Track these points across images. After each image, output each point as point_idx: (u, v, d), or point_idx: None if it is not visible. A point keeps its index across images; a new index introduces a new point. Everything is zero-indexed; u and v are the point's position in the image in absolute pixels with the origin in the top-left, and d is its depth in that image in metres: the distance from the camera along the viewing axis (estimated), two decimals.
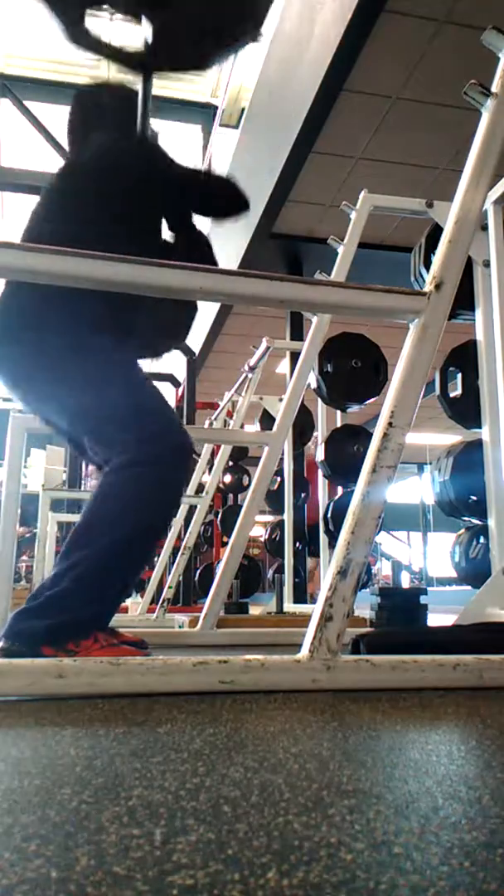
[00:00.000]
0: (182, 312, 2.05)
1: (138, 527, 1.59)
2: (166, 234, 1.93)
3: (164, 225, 1.91)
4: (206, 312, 7.74)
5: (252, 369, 4.40)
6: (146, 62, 1.47)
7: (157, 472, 1.58)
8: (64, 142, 2.01)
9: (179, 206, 1.89)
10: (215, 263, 1.95)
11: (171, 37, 1.36)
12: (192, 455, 1.71)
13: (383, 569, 11.83)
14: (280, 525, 4.83)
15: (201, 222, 1.99)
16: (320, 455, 3.97)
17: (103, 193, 1.78)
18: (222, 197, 1.97)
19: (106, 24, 1.50)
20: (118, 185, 1.79)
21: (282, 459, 4.37)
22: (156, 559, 4.67)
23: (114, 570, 1.58)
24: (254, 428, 5.77)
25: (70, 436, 1.84)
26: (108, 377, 1.67)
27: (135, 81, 1.68)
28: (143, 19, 1.38)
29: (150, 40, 1.41)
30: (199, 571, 6.46)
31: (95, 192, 1.79)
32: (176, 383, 6.49)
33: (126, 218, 1.76)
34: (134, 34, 1.54)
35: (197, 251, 1.92)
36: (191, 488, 4.90)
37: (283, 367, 7.35)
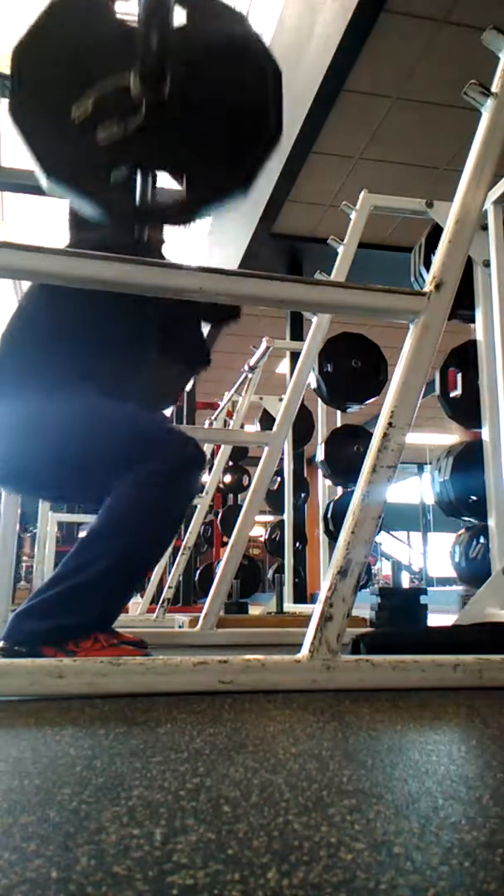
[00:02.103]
0: (180, 379, 2.07)
1: (148, 536, 1.59)
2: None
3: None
4: None
5: (252, 369, 4.40)
6: (188, 211, 1.43)
7: (169, 482, 1.58)
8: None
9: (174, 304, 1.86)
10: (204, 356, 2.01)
11: (203, 181, 1.33)
12: (202, 465, 1.70)
13: (383, 569, 11.83)
14: (280, 525, 4.83)
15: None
16: (320, 455, 3.97)
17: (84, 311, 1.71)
18: (220, 308, 1.98)
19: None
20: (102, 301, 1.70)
21: (282, 459, 4.38)
22: None
23: (121, 576, 1.58)
24: (254, 428, 5.77)
25: (77, 496, 1.81)
26: (104, 414, 1.65)
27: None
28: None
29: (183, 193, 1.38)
30: (199, 571, 6.47)
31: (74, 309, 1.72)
32: None
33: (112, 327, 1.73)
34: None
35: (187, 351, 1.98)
36: None
37: (283, 367, 7.35)
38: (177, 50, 1.29)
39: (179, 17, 1.33)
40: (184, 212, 1.38)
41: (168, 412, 7.25)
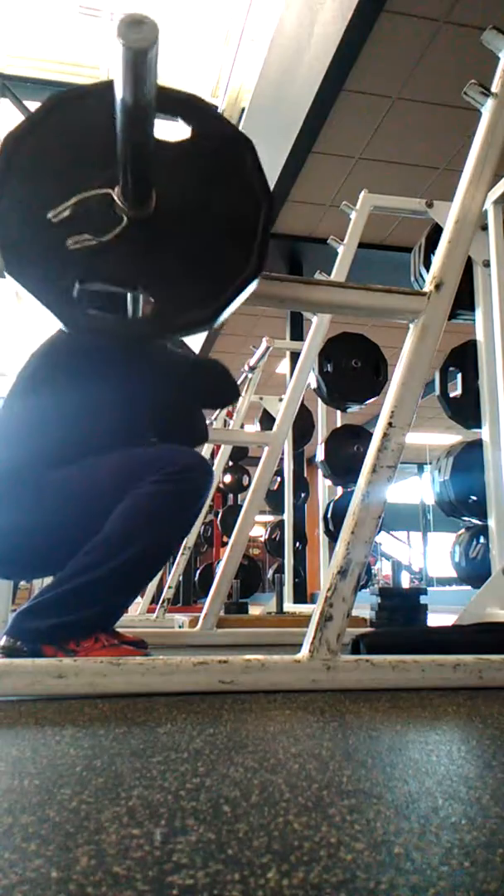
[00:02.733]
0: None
1: (157, 542, 1.59)
2: None
3: None
4: None
5: (252, 369, 4.40)
6: (147, 334, 1.38)
7: (179, 488, 1.58)
8: None
9: (167, 395, 1.84)
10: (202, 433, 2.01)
11: (170, 307, 1.28)
12: (212, 475, 1.70)
13: (383, 569, 11.83)
14: (280, 525, 4.83)
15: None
16: (320, 455, 3.98)
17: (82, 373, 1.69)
18: (213, 388, 1.95)
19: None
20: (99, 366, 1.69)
21: (282, 459, 4.37)
22: None
23: (128, 577, 1.58)
24: (254, 428, 5.76)
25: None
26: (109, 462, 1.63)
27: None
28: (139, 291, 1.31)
29: (149, 313, 1.32)
30: (199, 571, 6.47)
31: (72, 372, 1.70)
32: None
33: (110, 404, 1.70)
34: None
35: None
36: None
37: (283, 367, 7.35)
38: (172, 168, 1.25)
39: (184, 132, 1.28)
40: (138, 335, 1.35)
41: None
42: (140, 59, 0.93)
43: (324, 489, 4.24)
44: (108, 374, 1.68)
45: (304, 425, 4.78)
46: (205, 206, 1.27)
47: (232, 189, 1.28)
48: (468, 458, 2.58)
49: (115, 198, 1.20)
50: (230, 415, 5.13)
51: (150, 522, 1.55)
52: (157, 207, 1.24)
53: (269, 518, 5.90)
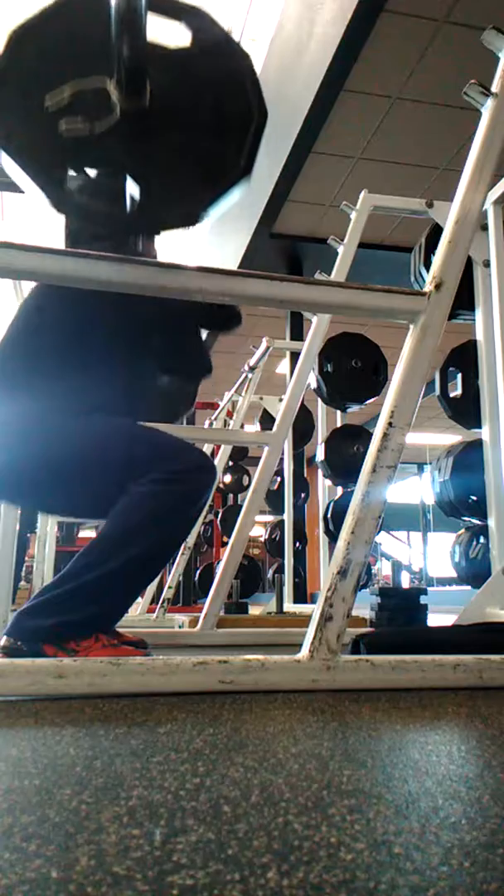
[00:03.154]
0: (183, 397, 2.05)
1: (159, 541, 1.58)
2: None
3: None
4: None
5: (252, 369, 4.40)
6: (136, 224, 1.43)
7: (181, 488, 1.57)
8: None
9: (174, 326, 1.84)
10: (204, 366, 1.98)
11: (160, 198, 1.33)
12: (215, 474, 1.70)
13: (383, 569, 11.83)
14: (280, 525, 4.83)
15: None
16: (320, 455, 3.97)
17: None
18: (221, 314, 1.94)
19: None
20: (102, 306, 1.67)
21: (282, 459, 4.37)
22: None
23: (130, 578, 1.58)
24: (254, 428, 5.76)
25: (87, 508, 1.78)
26: (114, 429, 1.65)
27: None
28: (130, 180, 1.35)
29: (138, 201, 1.36)
30: (199, 571, 6.47)
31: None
32: None
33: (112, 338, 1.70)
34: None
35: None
36: None
37: (283, 367, 7.35)
38: (170, 69, 1.31)
39: (183, 35, 1.34)
40: (125, 222, 1.38)
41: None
42: None
43: (324, 489, 4.24)
44: (103, 300, 1.65)
45: (304, 425, 4.78)
46: (199, 107, 1.33)
47: (227, 93, 1.34)
48: (468, 458, 2.58)
49: (110, 89, 1.25)
50: (230, 414, 5.13)
51: (152, 523, 1.55)
52: (152, 102, 1.29)
53: (269, 518, 5.90)
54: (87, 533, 8.59)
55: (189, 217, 1.30)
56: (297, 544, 4.67)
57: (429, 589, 3.05)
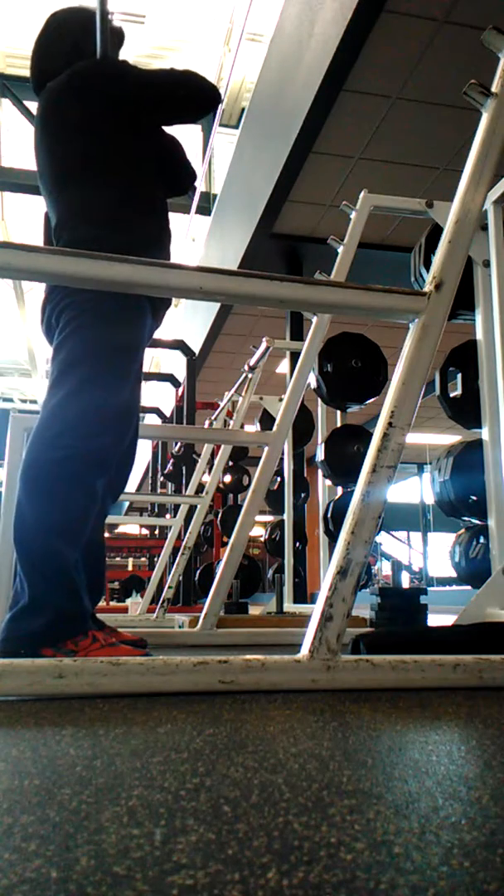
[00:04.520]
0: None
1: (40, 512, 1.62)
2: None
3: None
4: (207, 312, 7.75)
5: (252, 369, 4.39)
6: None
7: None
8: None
9: (155, 116, 1.96)
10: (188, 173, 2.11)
11: None
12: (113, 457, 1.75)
13: (383, 569, 11.83)
14: (280, 525, 4.82)
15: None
16: (320, 455, 3.97)
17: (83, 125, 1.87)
18: (194, 91, 1.97)
19: None
20: (94, 107, 1.86)
21: (282, 459, 4.37)
22: (156, 559, 4.66)
23: (46, 551, 1.60)
24: (254, 428, 5.76)
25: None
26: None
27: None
28: None
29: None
30: (199, 571, 6.46)
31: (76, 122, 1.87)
32: (176, 383, 6.49)
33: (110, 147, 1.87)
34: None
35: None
36: (191, 488, 4.90)
37: (283, 367, 7.35)
38: None
39: None
40: None
41: (167, 411, 7.25)
42: None
43: (324, 489, 4.24)
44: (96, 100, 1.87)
45: (304, 425, 4.77)
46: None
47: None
48: (468, 458, 2.57)
49: None
50: (230, 415, 5.13)
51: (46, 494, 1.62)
52: None
53: (269, 518, 5.89)
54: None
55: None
56: (297, 544, 4.66)
57: (429, 589, 3.06)
